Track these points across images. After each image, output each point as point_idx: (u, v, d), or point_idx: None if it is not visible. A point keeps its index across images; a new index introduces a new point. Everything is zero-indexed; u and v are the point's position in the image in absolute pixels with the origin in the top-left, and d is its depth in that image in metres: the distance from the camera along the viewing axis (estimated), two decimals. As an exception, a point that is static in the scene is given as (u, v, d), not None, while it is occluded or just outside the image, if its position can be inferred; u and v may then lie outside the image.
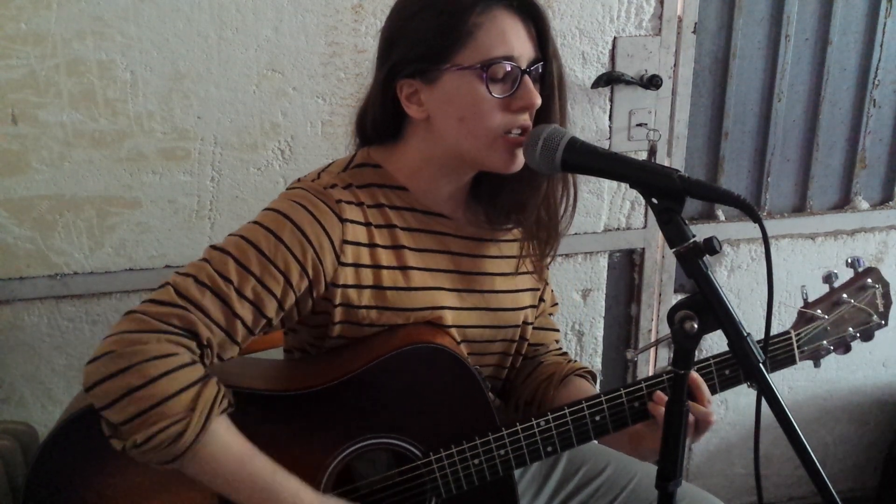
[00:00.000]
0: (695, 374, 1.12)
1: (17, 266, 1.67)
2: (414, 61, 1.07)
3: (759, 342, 0.89)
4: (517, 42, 1.05)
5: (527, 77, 1.06)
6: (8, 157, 1.60)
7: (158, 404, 0.94)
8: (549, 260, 1.25)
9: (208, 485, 1.01)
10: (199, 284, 1.01)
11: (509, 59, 1.04)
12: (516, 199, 1.17)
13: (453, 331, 1.19)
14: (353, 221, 1.10)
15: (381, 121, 1.15)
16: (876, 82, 2.04)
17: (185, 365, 0.97)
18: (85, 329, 1.74)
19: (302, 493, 1.03)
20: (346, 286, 1.10)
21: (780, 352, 1.19)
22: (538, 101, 1.07)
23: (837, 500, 0.84)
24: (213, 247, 1.06)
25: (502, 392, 1.36)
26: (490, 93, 1.05)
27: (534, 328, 1.33)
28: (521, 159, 1.09)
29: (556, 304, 1.42)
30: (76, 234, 1.68)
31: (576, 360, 1.34)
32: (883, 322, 1.23)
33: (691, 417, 1.07)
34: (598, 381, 2.03)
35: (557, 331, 1.40)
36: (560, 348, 1.39)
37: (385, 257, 1.13)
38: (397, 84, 1.10)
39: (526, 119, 1.08)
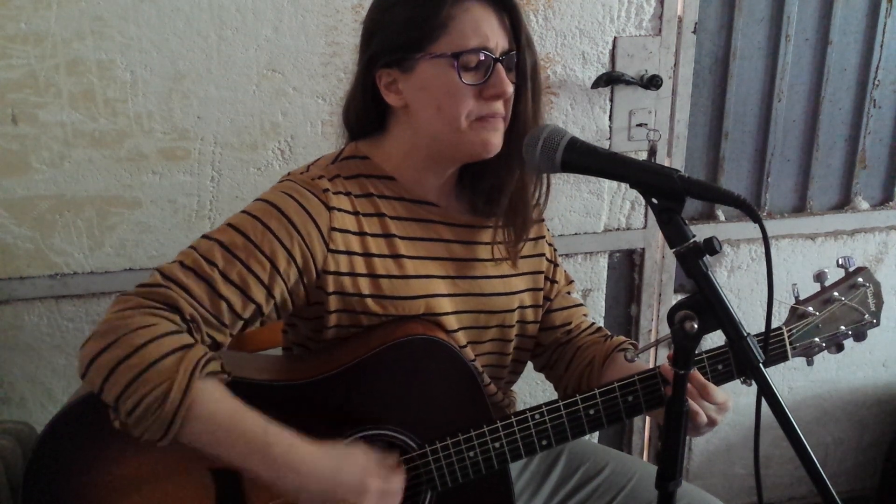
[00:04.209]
0: (699, 376, 1.12)
1: (17, 266, 1.67)
2: (391, 51, 1.10)
3: (758, 341, 0.89)
4: (490, 32, 1.08)
5: (499, 66, 1.09)
6: (8, 157, 1.60)
7: (144, 370, 0.95)
8: (521, 245, 1.25)
9: (204, 450, 1.00)
10: (183, 268, 1.03)
11: (482, 49, 1.07)
12: (495, 186, 1.19)
13: (451, 318, 1.20)
14: (340, 210, 1.12)
15: (363, 111, 1.18)
16: (876, 82, 2.04)
17: (169, 332, 0.98)
18: (85, 329, 1.74)
19: (297, 445, 1.02)
20: (338, 273, 1.11)
21: (773, 348, 1.19)
22: (510, 89, 1.10)
23: (837, 500, 0.84)
24: (203, 236, 1.08)
25: (549, 378, 1.37)
26: (462, 80, 1.07)
27: (555, 310, 1.35)
28: (497, 141, 1.12)
29: (572, 281, 1.43)
30: (76, 234, 1.68)
31: (612, 336, 1.33)
32: (875, 321, 1.23)
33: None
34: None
35: (582, 305, 1.41)
36: (592, 323, 1.39)
37: (375, 245, 1.14)
38: (376, 74, 1.13)
39: (499, 107, 1.11)
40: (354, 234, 1.13)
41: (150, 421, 0.96)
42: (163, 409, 0.95)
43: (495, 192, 1.19)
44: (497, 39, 1.09)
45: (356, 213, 1.14)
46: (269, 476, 1.00)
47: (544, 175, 1.21)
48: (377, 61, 1.12)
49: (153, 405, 0.95)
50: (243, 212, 1.10)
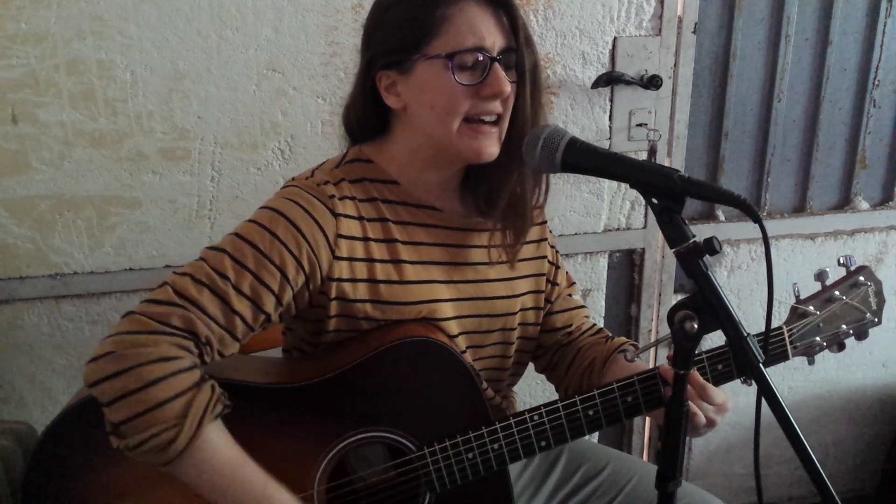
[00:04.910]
0: (698, 377, 1.12)
1: (17, 266, 1.67)
2: (389, 52, 1.10)
3: (758, 341, 0.88)
4: (486, 31, 1.07)
5: (496, 65, 1.08)
6: (8, 157, 1.60)
7: (152, 409, 0.95)
8: (520, 247, 1.25)
9: (199, 491, 1.01)
10: (196, 283, 1.02)
11: (478, 49, 1.07)
12: (494, 187, 1.18)
13: (452, 323, 1.19)
14: (346, 216, 1.11)
15: (363, 114, 1.18)
16: (876, 82, 2.04)
17: (181, 371, 0.98)
18: (85, 329, 1.74)
19: None
20: (340, 280, 1.11)
21: (773, 347, 1.19)
22: (507, 88, 1.09)
23: (837, 500, 0.84)
24: (210, 247, 1.07)
25: (550, 380, 1.37)
26: (457, 81, 1.07)
27: (557, 312, 1.35)
28: (492, 150, 1.12)
29: (574, 283, 1.42)
30: (76, 233, 1.68)
31: (613, 337, 1.33)
32: (876, 320, 1.23)
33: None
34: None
35: (584, 307, 1.40)
36: (593, 325, 1.39)
37: (378, 251, 1.14)
38: (376, 76, 1.13)
39: (497, 106, 1.10)
40: (359, 240, 1.12)
41: (150, 458, 0.97)
42: (167, 451, 0.96)
43: (494, 194, 1.19)
44: (494, 38, 1.08)
45: (360, 219, 1.13)
46: None
47: (543, 175, 1.20)
48: (376, 63, 1.12)
49: (157, 447, 0.96)
50: (250, 220, 1.09)
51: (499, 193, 1.18)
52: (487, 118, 1.10)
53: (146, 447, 0.95)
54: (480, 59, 1.07)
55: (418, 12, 1.07)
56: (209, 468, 0.99)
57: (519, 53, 1.10)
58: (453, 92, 1.07)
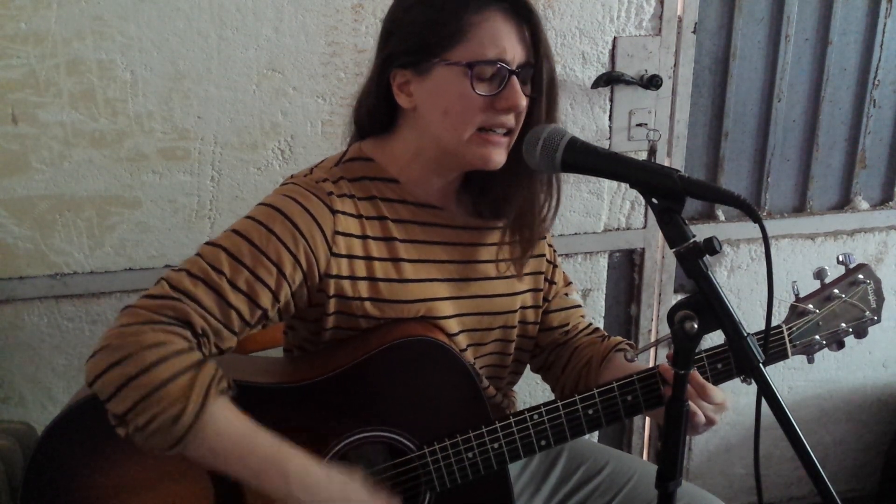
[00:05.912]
0: (698, 376, 1.12)
1: (17, 266, 1.67)
2: (407, 52, 1.10)
3: (758, 341, 0.88)
4: (508, 44, 1.07)
5: (514, 78, 1.08)
6: (8, 157, 1.60)
7: (156, 389, 0.95)
8: (527, 257, 1.25)
9: (213, 466, 1.01)
10: (191, 277, 1.03)
11: (499, 61, 1.06)
12: (503, 194, 1.18)
13: (451, 321, 1.19)
14: (344, 213, 1.11)
15: (374, 110, 1.17)
16: (876, 82, 2.04)
17: (180, 351, 0.98)
18: (85, 329, 1.74)
19: (309, 466, 1.02)
20: (339, 277, 1.11)
21: (773, 346, 1.19)
22: (523, 102, 1.09)
23: (837, 500, 0.84)
24: (207, 242, 1.08)
25: (546, 379, 1.37)
26: (474, 90, 1.06)
27: (553, 311, 1.35)
28: (499, 158, 1.11)
29: (570, 282, 1.42)
30: (76, 233, 1.68)
31: (609, 336, 1.33)
32: (875, 318, 1.23)
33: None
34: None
35: (580, 306, 1.40)
36: (590, 324, 1.39)
37: (377, 249, 1.14)
38: (391, 73, 1.12)
39: (510, 119, 1.10)
40: (357, 237, 1.13)
41: (159, 438, 0.96)
42: (175, 427, 0.95)
43: (503, 202, 1.19)
44: (515, 52, 1.07)
45: (359, 217, 1.13)
46: (280, 493, 1.01)
47: (554, 189, 1.20)
48: (393, 61, 1.11)
49: (165, 423, 0.95)
50: (248, 217, 1.09)
51: (508, 203, 1.18)
52: (499, 130, 1.10)
53: (154, 426, 0.95)
54: (498, 70, 1.07)
55: (441, 16, 1.07)
56: (220, 441, 0.98)
57: (538, 69, 1.10)
58: (469, 101, 1.07)
